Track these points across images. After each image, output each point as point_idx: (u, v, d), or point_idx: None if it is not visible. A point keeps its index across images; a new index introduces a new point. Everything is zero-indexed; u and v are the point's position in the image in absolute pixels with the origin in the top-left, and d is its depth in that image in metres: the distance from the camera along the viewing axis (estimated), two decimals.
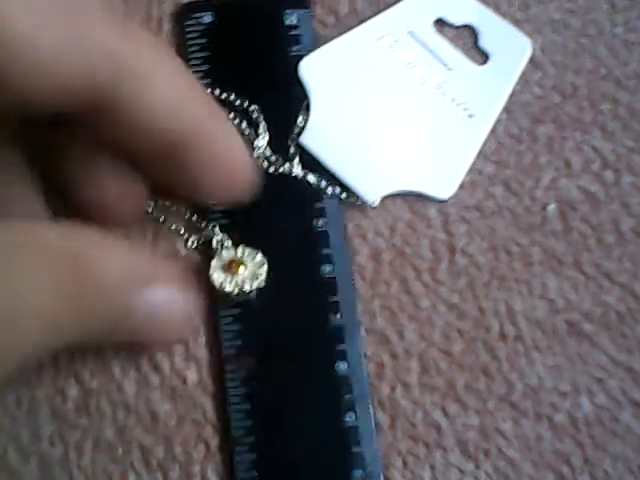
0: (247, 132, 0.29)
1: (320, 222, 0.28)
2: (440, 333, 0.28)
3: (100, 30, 0.17)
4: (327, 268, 0.28)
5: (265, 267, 0.27)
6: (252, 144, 0.29)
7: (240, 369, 0.27)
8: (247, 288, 0.27)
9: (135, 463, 0.27)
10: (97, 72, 0.17)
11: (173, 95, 0.20)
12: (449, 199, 0.28)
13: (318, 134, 0.29)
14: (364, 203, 0.28)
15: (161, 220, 0.29)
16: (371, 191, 0.28)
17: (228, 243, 0.28)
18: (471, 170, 0.29)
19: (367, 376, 0.27)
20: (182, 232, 0.29)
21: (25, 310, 0.16)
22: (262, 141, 0.29)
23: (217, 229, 0.28)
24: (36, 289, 0.16)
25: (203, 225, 0.29)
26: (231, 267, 0.27)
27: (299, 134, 0.29)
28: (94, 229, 0.20)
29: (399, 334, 0.28)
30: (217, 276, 0.27)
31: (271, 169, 0.28)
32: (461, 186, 0.28)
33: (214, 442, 0.27)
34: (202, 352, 0.28)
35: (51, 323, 0.17)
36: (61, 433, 0.27)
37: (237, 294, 0.27)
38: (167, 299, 0.23)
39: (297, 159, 0.29)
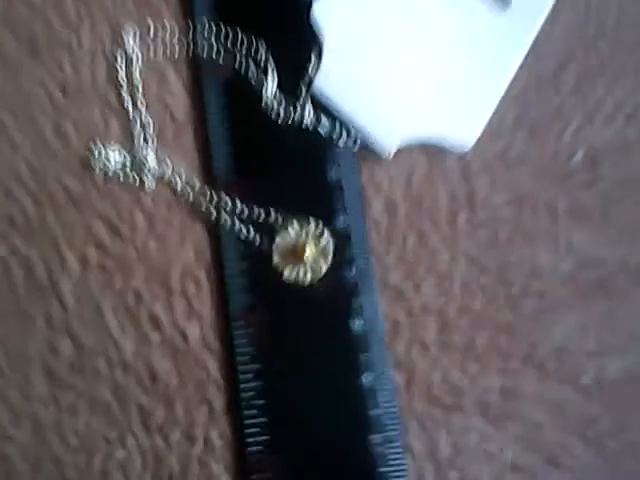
0: (254, 75, 0.27)
1: (333, 174, 0.26)
2: (459, 288, 0.26)
3: None
4: (341, 221, 0.26)
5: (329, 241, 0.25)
6: (259, 89, 0.27)
7: (249, 327, 0.25)
8: (322, 267, 0.25)
9: (134, 425, 0.25)
10: None
11: None
12: (469, 148, 0.26)
13: (332, 78, 0.27)
14: (380, 152, 0.26)
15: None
16: (388, 138, 0.26)
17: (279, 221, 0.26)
18: (493, 117, 0.27)
19: (384, 334, 0.25)
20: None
21: None
22: (271, 85, 0.27)
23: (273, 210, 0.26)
24: None
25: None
26: (296, 253, 0.25)
27: (311, 79, 0.27)
28: None
29: (416, 289, 0.26)
30: (286, 270, 0.25)
31: (280, 116, 0.26)
32: (483, 134, 0.26)
33: (218, 403, 0.25)
34: (206, 307, 0.26)
35: None
36: (54, 394, 0.25)
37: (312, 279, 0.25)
38: None
39: (309, 105, 0.26)
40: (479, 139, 0.27)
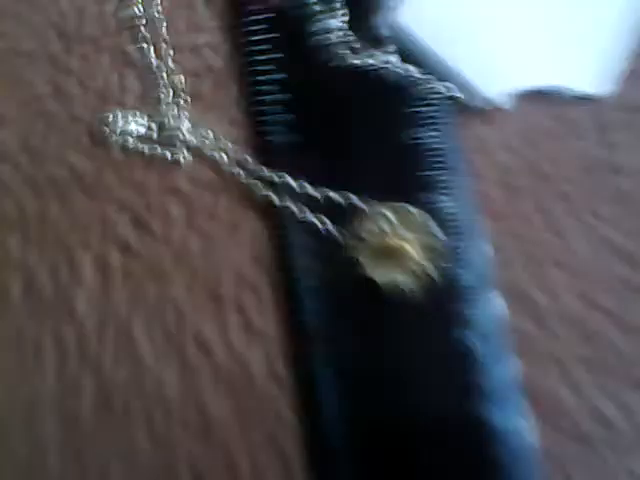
0: (318, 7, 0.20)
1: (428, 140, 0.20)
2: (602, 288, 0.20)
3: None
4: (444, 204, 0.19)
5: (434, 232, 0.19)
6: (325, 24, 0.20)
7: (330, 348, 0.18)
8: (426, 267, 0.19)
9: None
10: None
11: None
12: (603, 97, 0.21)
13: (419, 10, 0.20)
14: (486, 106, 0.20)
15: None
16: (496, 88, 0.20)
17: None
18: (632, 59, 0.20)
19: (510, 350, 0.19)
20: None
21: None
22: (339, 20, 0.20)
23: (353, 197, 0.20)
24: None
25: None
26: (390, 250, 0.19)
27: (391, 11, 0.20)
28: None
29: (547, 291, 0.20)
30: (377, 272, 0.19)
31: (352, 59, 0.19)
32: (618, 80, 0.19)
33: (294, 455, 0.19)
34: (269, 324, 0.19)
35: None
36: (76, 447, 0.19)
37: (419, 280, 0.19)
38: None
39: (390, 46, 0.20)
40: (614, 87, 0.20)
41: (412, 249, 0.19)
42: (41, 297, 0.20)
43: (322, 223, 0.20)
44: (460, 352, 0.19)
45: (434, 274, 0.19)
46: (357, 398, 0.19)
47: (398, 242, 0.19)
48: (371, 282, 0.19)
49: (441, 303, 0.19)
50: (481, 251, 0.20)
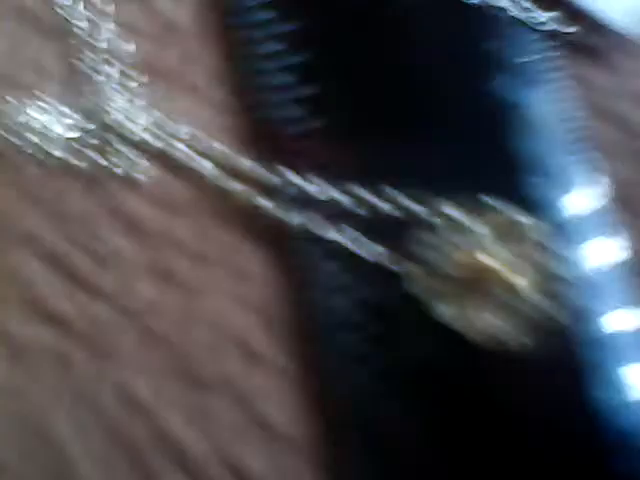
0: None
1: (522, 100, 0.13)
2: None
3: None
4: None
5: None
6: None
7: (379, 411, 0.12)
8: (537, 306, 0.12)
9: None
10: None
11: None
12: None
13: None
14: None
15: None
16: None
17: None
18: None
19: None
20: None
21: None
22: None
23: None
24: None
25: None
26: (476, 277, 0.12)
27: None
28: None
29: None
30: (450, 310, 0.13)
31: None
32: None
33: None
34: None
35: None
36: None
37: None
38: None
39: None
40: None
41: (515, 276, 0.12)
42: None
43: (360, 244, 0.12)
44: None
45: (556, 314, 0.12)
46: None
47: (491, 265, 0.12)
48: (448, 332, 0.12)
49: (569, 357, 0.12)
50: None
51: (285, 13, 0.14)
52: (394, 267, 0.13)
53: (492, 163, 0.13)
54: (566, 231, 0.13)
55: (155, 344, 0.13)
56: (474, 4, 0.13)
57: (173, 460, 0.12)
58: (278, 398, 0.13)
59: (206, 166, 0.13)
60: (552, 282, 0.12)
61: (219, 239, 0.13)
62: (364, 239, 0.13)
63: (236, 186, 0.13)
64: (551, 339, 0.12)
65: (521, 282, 0.12)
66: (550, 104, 0.14)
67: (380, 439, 0.13)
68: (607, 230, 0.13)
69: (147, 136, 0.13)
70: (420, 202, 0.13)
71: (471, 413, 0.13)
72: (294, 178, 0.13)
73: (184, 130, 0.13)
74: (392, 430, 0.13)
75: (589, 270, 0.13)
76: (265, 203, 0.13)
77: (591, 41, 0.14)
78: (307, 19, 0.14)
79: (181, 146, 0.13)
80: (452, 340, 0.13)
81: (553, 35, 0.14)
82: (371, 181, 0.13)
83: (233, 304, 0.13)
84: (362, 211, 0.13)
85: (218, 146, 0.13)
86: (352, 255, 0.13)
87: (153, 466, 0.12)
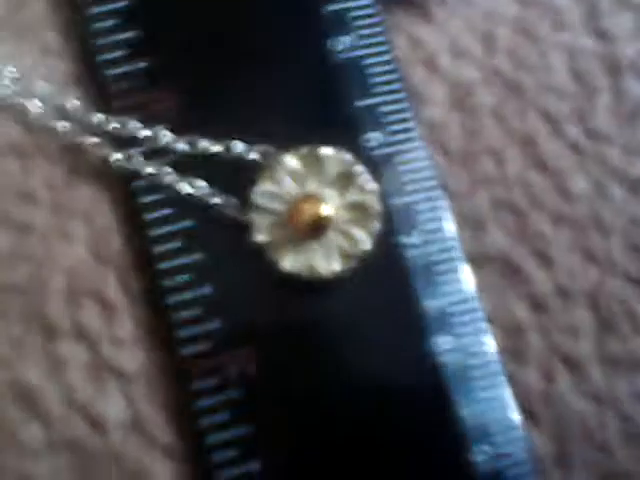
0: None
1: (341, 47, 0.14)
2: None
3: None
4: (372, 141, 0.13)
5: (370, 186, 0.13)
6: None
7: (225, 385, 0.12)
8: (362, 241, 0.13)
9: None
10: None
11: None
12: None
13: None
14: None
15: None
16: None
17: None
18: None
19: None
20: None
21: None
22: None
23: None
24: None
25: None
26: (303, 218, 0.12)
27: None
28: None
29: (542, 260, 0.13)
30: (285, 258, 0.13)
31: None
32: None
33: None
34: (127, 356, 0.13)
35: None
36: None
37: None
38: None
39: None
40: None
41: (335, 211, 0.12)
42: None
43: (195, 188, 0.13)
44: (431, 364, 0.13)
45: (368, 245, 0.12)
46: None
47: (314, 202, 0.12)
48: (283, 273, 0.13)
49: (388, 287, 0.13)
50: (439, 209, 0.13)
51: None
52: (238, 217, 0.13)
53: (324, 116, 0.14)
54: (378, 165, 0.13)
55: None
56: None
57: (27, 409, 0.12)
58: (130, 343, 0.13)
59: (36, 106, 0.13)
60: (367, 219, 0.12)
61: (45, 177, 0.13)
62: (203, 185, 0.13)
63: (66, 128, 0.13)
64: (368, 270, 0.13)
65: (338, 216, 0.13)
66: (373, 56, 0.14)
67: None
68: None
69: None
70: (260, 153, 0.13)
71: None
72: (117, 118, 0.13)
73: (9, 69, 0.13)
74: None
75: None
76: (90, 140, 0.13)
77: None
78: None
79: (6, 83, 0.13)
80: (288, 280, 0.13)
81: None
82: (209, 129, 0.13)
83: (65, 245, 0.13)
84: (199, 157, 0.13)
85: (49, 88, 0.13)
86: (193, 203, 0.13)
87: (7, 416, 0.12)
